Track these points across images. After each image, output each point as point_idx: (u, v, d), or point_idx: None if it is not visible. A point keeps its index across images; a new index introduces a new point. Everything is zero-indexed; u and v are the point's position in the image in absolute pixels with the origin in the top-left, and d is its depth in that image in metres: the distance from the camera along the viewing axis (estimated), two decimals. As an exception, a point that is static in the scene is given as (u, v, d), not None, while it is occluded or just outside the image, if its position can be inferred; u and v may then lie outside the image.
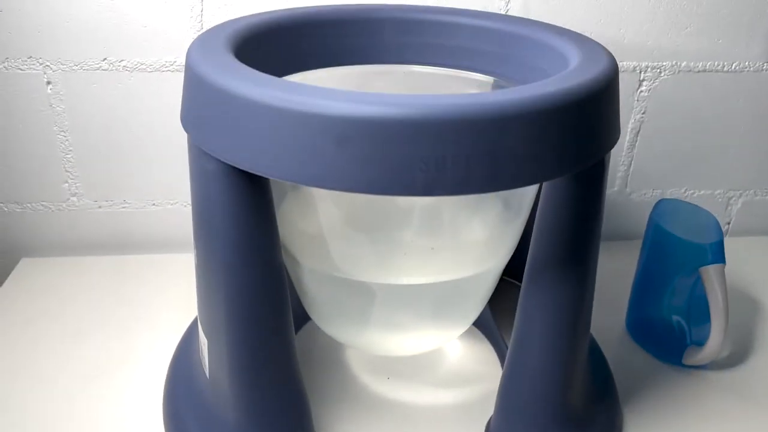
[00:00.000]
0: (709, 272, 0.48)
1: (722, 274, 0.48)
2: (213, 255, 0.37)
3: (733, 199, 0.70)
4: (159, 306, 0.57)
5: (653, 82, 0.63)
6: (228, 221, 0.35)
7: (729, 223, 0.72)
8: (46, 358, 0.50)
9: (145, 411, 0.46)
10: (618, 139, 0.36)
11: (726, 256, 0.48)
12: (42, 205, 0.63)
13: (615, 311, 0.58)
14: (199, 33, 0.56)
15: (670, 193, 0.69)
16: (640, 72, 0.62)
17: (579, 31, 0.59)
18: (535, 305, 0.39)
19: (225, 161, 0.33)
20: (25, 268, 0.62)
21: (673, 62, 0.62)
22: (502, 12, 0.59)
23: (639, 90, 0.63)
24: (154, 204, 0.64)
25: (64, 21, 0.55)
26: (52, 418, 0.45)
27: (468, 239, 0.42)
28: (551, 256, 0.38)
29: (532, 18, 0.58)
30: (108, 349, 0.52)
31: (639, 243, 0.55)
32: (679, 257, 0.50)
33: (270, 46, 0.44)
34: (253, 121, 0.31)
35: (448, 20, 0.48)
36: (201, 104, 0.34)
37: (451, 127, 0.29)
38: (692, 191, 0.69)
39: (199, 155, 0.35)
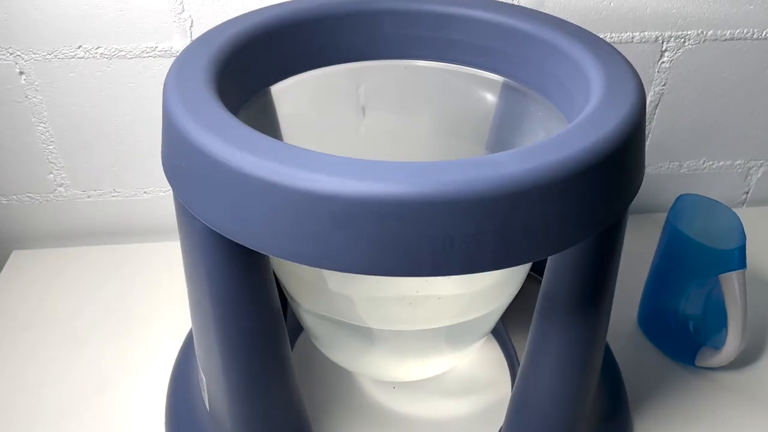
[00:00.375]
0: (731, 279, 0.46)
1: (743, 280, 0.46)
2: (202, 306, 0.35)
3: (753, 169, 0.67)
4: (156, 298, 0.55)
5: (676, 53, 0.58)
6: (217, 283, 0.33)
7: (747, 193, 0.69)
8: (44, 365, 0.49)
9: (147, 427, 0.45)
10: (642, 181, 0.32)
11: (744, 225, 0.46)
12: (28, 196, 0.60)
13: (627, 300, 0.56)
14: (181, 22, 0.51)
15: (688, 165, 0.66)
16: (663, 42, 0.57)
17: (601, 0, 0.54)
18: (545, 342, 0.38)
19: (210, 227, 0.30)
20: (17, 260, 0.60)
21: (699, 31, 0.57)
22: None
23: (660, 61, 0.59)
24: (145, 192, 0.61)
25: (32, 8, 0.50)
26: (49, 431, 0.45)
27: (475, 287, 0.40)
28: (564, 295, 0.36)
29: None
30: (107, 354, 0.50)
31: (654, 217, 0.51)
32: (697, 262, 0.47)
33: (259, 54, 0.40)
34: (240, 192, 0.28)
35: (455, 12, 0.43)
36: (182, 159, 0.31)
37: (461, 206, 0.26)
38: (711, 162, 0.66)
39: (183, 210, 0.32)
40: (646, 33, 0.57)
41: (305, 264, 0.28)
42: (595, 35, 0.39)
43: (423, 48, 0.45)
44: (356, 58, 0.45)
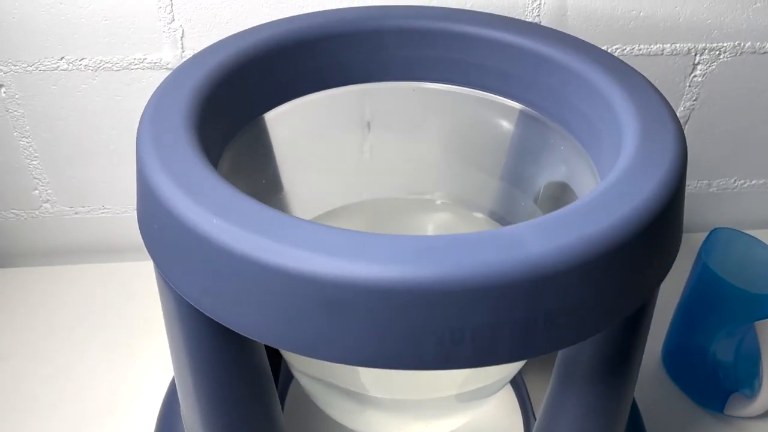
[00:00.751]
0: (767, 327, 0.41)
1: (780, 327, 0.42)
2: (181, 367, 0.31)
3: (788, 188, 0.62)
4: (146, 320, 0.52)
5: (709, 66, 0.53)
6: (196, 355, 0.29)
7: (780, 212, 0.65)
8: (23, 403, 0.46)
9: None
10: (678, 251, 0.28)
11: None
12: (12, 213, 0.56)
13: (651, 332, 0.52)
14: (171, 39, 0.47)
15: (718, 184, 0.61)
16: (696, 55, 0.53)
17: (629, 9, 0.49)
18: (563, 408, 0.34)
19: (189, 301, 0.26)
20: (1, 278, 0.57)
21: (736, 43, 0.52)
22: (534, 7, 0.48)
23: (692, 75, 0.54)
24: (135, 209, 0.57)
25: (9, 17, 0.46)
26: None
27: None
28: (584, 369, 0.32)
29: (572, 3, 0.49)
30: (91, 390, 0.47)
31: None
32: (730, 306, 0.43)
33: (250, 81, 0.36)
34: (216, 266, 0.24)
35: (468, 32, 0.39)
36: (155, 221, 0.27)
37: (473, 293, 0.22)
38: (742, 181, 0.61)
39: (160, 278, 0.29)
40: (677, 45, 0.52)
41: (292, 352, 0.24)
42: (627, 65, 0.35)
43: (432, 69, 0.41)
44: (360, 80, 0.41)
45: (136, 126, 0.52)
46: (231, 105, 0.35)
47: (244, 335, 0.25)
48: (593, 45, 0.37)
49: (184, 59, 0.49)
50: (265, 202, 0.38)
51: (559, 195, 0.38)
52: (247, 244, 0.23)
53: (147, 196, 0.27)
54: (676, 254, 0.28)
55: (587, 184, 0.35)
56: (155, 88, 0.33)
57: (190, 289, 0.26)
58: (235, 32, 0.37)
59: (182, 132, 0.29)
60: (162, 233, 0.26)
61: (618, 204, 0.25)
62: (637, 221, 0.24)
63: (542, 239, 0.23)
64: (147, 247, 0.28)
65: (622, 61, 0.35)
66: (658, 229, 0.25)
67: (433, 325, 0.23)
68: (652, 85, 0.34)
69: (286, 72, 0.38)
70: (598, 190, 0.25)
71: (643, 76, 0.34)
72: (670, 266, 0.27)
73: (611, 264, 0.24)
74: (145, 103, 0.50)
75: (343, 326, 0.23)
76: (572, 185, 0.37)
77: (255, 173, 0.39)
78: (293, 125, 0.40)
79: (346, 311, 0.23)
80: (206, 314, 0.26)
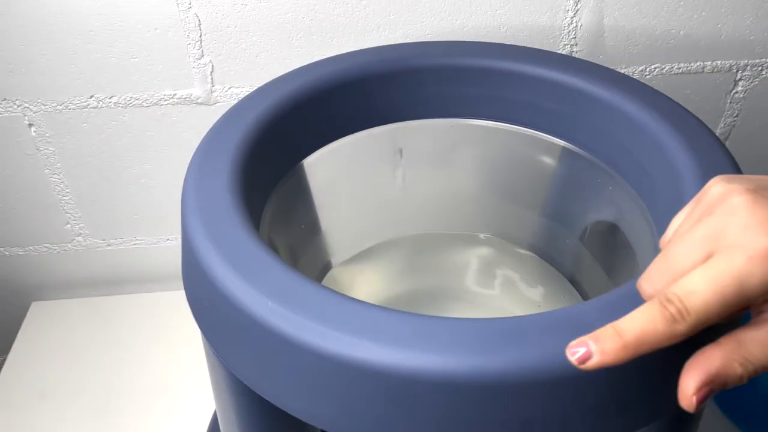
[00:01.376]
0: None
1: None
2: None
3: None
4: (184, 353, 0.52)
5: (751, 82, 0.52)
6: (246, 426, 0.29)
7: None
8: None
9: None
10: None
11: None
12: (45, 247, 0.56)
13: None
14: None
15: (758, 199, 0.59)
16: (737, 71, 0.51)
17: (669, 29, 0.48)
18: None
19: (241, 380, 0.26)
20: (37, 312, 0.57)
21: (779, 58, 0.51)
22: (570, 29, 0.47)
23: (733, 91, 0.52)
24: (168, 239, 0.57)
25: (39, 57, 0.46)
26: None
27: None
28: None
29: (610, 24, 0.47)
30: (137, 425, 0.47)
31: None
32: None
33: (290, 129, 0.35)
34: (272, 350, 0.24)
35: (513, 69, 0.38)
36: (205, 296, 0.26)
37: (543, 387, 0.21)
38: (784, 194, 0.60)
39: (210, 351, 0.28)
40: (718, 62, 0.50)
41: (352, 438, 0.24)
42: (682, 108, 0.33)
43: (469, 106, 0.40)
44: (396, 119, 0.40)
45: (167, 160, 0.52)
46: (272, 156, 0.34)
47: (299, 419, 0.24)
48: (637, 80, 0.36)
49: (214, 93, 0.48)
50: (305, 246, 0.37)
51: (608, 236, 0.37)
52: (305, 331, 0.23)
53: (195, 270, 0.26)
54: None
55: (641, 229, 0.33)
56: (196, 146, 0.32)
57: (244, 369, 0.25)
58: (270, 79, 0.37)
59: (228, 196, 0.29)
60: (213, 311, 0.26)
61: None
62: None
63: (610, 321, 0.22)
64: (196, 320, 0.28)
65: (674, 102, 0.34)
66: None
67: (499, 417, 0.22)
68: (706, 127, 0.32)
69: (324, 117, 0.37)
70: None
71: (697, 118, 0.33)
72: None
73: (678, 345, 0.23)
74: (177, 138, 0.50)
75: (405, 416, 0.22)
76: (622, 227, 0.36)
77: (295, 218, 0.39)
78: (330, 168, 0.40)
79: (408, 402, 0.22)
80: (257, 393, 0.25)
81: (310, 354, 0.22)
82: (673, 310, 0.19)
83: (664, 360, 0.22)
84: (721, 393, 0.48)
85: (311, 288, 0.24)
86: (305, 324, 0.23)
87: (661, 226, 0.30)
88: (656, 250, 0.32)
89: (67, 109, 0.48)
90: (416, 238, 0.44)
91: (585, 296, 0.40)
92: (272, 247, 0.33)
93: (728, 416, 0.48)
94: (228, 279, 0.25)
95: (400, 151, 0.42)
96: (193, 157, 0.31)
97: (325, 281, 0.41)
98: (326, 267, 0.42)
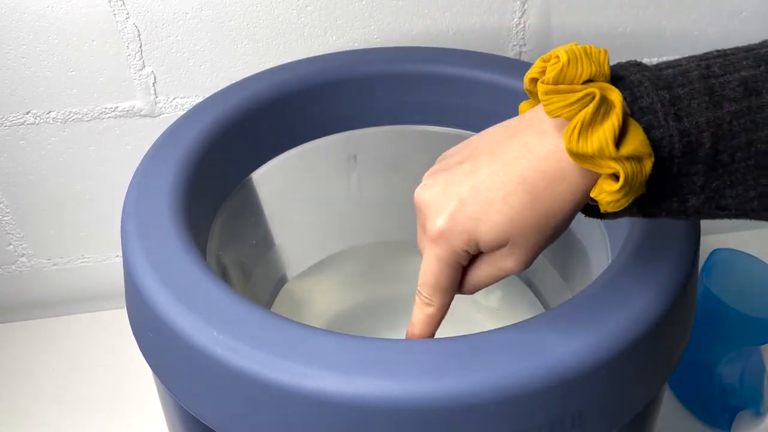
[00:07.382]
0: (772, 351, 0.41)
1: (786, 349, 0.41)
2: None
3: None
4: (137, 373, 0.50)
5: (696, 76, 0.53)
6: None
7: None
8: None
9: None
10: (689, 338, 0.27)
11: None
12: (-13, 269, 0.54)
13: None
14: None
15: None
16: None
17: (615, 26, 0.48)
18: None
19: (194, 414, 0.25)
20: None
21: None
22: (519, 30, 0.47)
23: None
24: (117, 256, 0.55)
25: (-32, 74, 0.44)
26: None
27: None
28: None
29: (557, 23, 0.47)
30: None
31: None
32: (734, 331, 0.43)
33: (235, 143, 0.34)
34: (225, 383, 0.23)
35: (459, 74, 0.37)
36: (149, 328, 0.25)
37: (503, 407, 0.21)
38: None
39: (161, 386, 0.27)
40: (664, 58, 0.51)
41: (308, 468, 0.23)
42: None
43: (421, 113, 0.39)
44: (345, 128, 0.39)
45: (111, 174, 0.50)
46: (218, 171, 0.33)
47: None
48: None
49: (158, 104, 0.47)
50: (258, 261, 0.36)
51: (561, 237, 0.37)
52: (252, 360, 0.22)
53: (136, 299, 0.25)
54: (687, 343, 0.27)
55: (591, 228, 0.34)
56: (136, 165, 0.31)
57: (190, 398, 0.24)
58: (217, 89, 0.36)
59: (169, 217, 0.28)
60: (157, 341, 0.25)
61: (631, 296, 0.23)
62: (656, 314, 0.23)
63: (563, 341, 0.22)
64: (140, 348, 0.27)
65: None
66: (672, 320, 0.24)
67: (457, 438, 0.21)
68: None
69: (272, 128, 0.36)
70: (608, 278, 0.24)
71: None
72: (680, 357, 0.26)
73: (631, 358, 0.23)
74: (121, 152, 0.48)
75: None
76: (573, 228, 0.36)
77: (245, 234, 0.38)
78: (280, 179, 0.39)
79: (357, 429, 0.21)
80: (208, 426, 0.24)
81: (257, 384, 0.22)
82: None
83: (616, 371, 0.22)
84: (677, 381, 0.49)
85: (257, 315, 0.23)
86: (251, 354, 0.22)
87: (611, 225, 0.30)
88: (607, 249, 0.32)
89: (2, 127, 0.46)
90: (372, 247, 0.43)
91: (541, 298, 0.40)
92: (220, 266, 0.33)
93: (684, 403, 0.48)
94: (171, 309, 0.24)
95: (355, 157, 0.41)
96: (132, 177, 0.30)
97: (281, 296, 0.40)
98: (281, 281, 0.41)
